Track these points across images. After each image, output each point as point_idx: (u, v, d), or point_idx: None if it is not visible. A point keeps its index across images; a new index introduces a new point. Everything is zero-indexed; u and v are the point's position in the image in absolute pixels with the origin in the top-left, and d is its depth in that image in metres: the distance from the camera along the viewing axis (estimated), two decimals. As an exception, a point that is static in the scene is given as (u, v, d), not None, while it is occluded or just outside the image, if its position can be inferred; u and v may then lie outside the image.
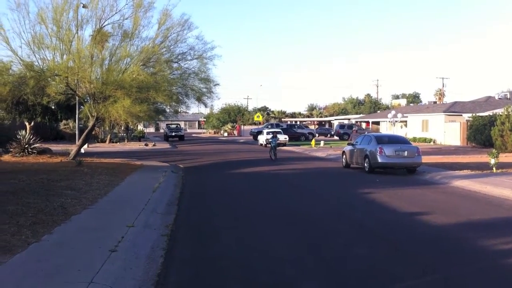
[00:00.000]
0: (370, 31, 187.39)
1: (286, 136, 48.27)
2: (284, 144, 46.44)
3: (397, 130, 55.40)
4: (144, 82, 22.55)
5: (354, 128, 60.83)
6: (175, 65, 26.67)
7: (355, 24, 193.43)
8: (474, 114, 44.79)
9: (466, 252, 8.79)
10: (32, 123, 39.11)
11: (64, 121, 51.11)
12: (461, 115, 49.98)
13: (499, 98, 62.65)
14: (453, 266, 7.86)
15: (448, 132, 49.59)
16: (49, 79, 23.18)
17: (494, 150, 23.80)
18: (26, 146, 25.61)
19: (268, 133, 44.64)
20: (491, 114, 41.75)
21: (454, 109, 53.44)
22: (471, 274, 7.51)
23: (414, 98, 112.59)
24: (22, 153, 25.18)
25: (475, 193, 16.24)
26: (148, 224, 10.53)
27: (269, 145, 31.04)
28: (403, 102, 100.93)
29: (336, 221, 11.57)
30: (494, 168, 21.10)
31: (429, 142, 50.53)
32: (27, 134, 27.06)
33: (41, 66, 23.14)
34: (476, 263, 8.10)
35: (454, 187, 17.80)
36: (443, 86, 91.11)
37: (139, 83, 22.49)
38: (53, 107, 38.76)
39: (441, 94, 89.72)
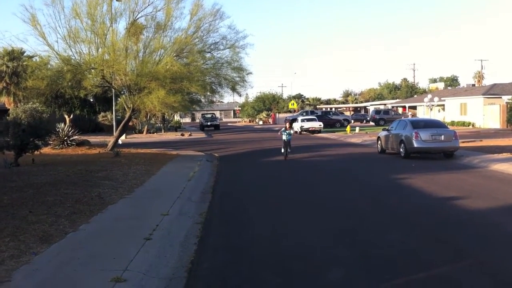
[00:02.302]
0: (406, 13, 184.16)
1: (321, 123, 48.05)
2: (319, 131, 46.28)
3: (435, 114, 54.42)
4: (177, 73, 22.75)
5: (409, 113, 59.47)
6: (207, 55, 26.85)
7: (391, 6, 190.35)
8: (514, 96, 43.67)
9: (504, 237, 8.63)
10: (71, 116, 39.95)
11: (102, 113, 52.03)
12: (501, 97, 48.75)
13: (541, 79, 60.81)
14: (490, 251, 7.73)
15: (487, 115, 48.47)
16: (85, 72, 23.61)
17: (535, 132, 23.13)
18: (65, 138, 26.25)
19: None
20: (532, 95, 40.61)
21: (493, 91, 52.16)
22: (508, 259, 7.38)
23: (452, 82, 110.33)
24: (61, 145, 25.83)
25: (514, 176, 15.88)
26: (183, 212, 10.68)
27: (285, 135, 23.20)
28: (440, 85, 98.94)
29: (371, 207, 11.47)
30: (535, 151, 20.55)
31: (468, 126, 49.51)
32: (66, 126, 27.70)
33: (77, 60, 23.56)
34: (513, 248, 7.95)
35: (493, 171, 17.42)
36: (481, 68, 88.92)
37: (173, 74, 22.71)
38: (91, 100, 39.50)
39: (480, 76, 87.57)
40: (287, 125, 23.74)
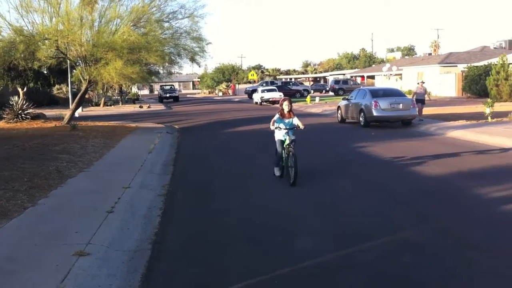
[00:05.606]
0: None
1: (281, 94, 48.04)
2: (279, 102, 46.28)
3: (392, 83, 55.14)
4: (135, 43, 22.24)
5: (419, 81, 44.96)
6: (166, 24, 26.23)
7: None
8: (469, 65, 44.47)
9: (462, 201, 8.86)
10: (25, 89, 38.76)
11: (57, 86, 50.71)
12: (456, 66, 49.68)
13: (494, 48, 62.14)
14: (449, 215, 7.94)
15: (443, 83, 49.39)
16: (39, 43, 22.80)
17: (489, 99, 23.57)
18: (20, 112, 25.44)
19: (268, 92, 32.16)
20: (486, 64, 41.37)
21: (449, 60, 53.10)
22: (466, 222, 7.58)
23: (409, 51, 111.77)
24: (15, 119, 25.04)
25: (470, 142, 16.26)
26: (145, 185, 10.56)
27: (281, 132, 11.00)
28: (398, 55, 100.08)
29: (333, 174, 11.60)
30: (489, 118, 21.08)
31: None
32: (20, 99, 26.86)
33: (30, 30, 22.75)
34: (472, 211, 8.17)
35: (449, 137, 17.83)
36: (438, 37, 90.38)
37: (130, 44, 22.20)
38: (45, 72, 38.33)
39: (436, 45, 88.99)
40: (284, 106, 11.23)
